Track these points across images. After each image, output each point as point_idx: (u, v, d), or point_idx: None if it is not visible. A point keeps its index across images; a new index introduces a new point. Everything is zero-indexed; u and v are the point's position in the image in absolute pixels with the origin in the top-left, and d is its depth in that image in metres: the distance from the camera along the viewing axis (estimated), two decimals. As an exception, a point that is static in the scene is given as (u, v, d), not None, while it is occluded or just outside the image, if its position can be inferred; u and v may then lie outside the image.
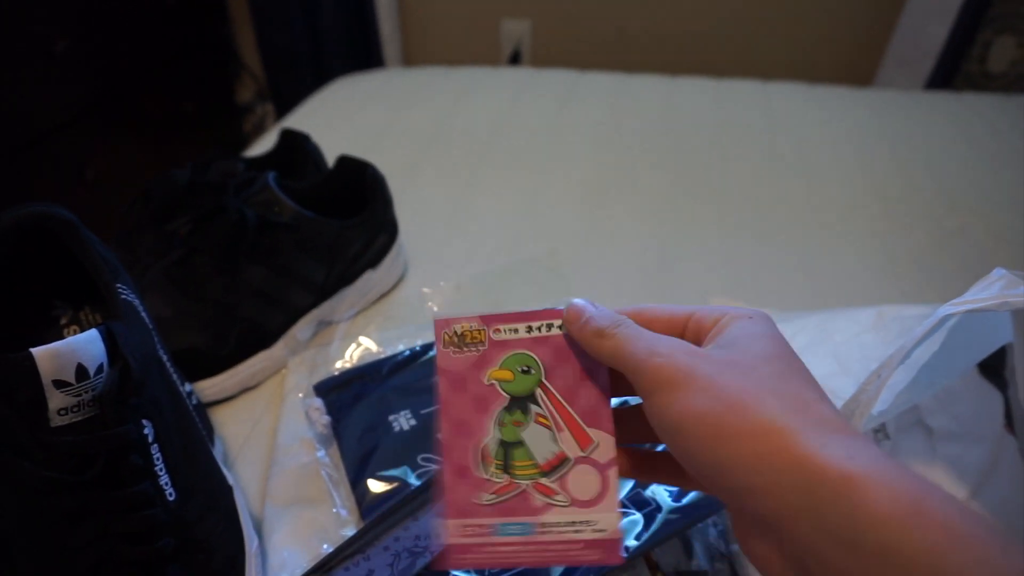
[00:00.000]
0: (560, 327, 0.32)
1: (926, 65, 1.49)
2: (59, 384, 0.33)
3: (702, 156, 0.94)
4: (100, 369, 0.35)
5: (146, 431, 0.37)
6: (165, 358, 0.42)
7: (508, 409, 0.32)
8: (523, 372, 0.32)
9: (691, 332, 0.29)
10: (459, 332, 0.32)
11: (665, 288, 0.68)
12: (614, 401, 0.31)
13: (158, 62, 1.59)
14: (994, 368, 0.51)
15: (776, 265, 0.73)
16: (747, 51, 1.63)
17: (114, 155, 1.49)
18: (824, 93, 1.14)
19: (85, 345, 0.34)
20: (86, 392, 0.34)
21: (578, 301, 0.31)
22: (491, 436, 0.31)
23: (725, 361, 0.26)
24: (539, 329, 0.32)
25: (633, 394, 0.30)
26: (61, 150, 1.33)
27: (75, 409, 0.34)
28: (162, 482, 0.37)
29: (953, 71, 1.50)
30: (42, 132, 1.27)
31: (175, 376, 0.43)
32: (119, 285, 0.40)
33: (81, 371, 0.34)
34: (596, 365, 0.31)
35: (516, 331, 0.32)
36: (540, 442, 0.31)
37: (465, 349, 0.32)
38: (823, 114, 1.06)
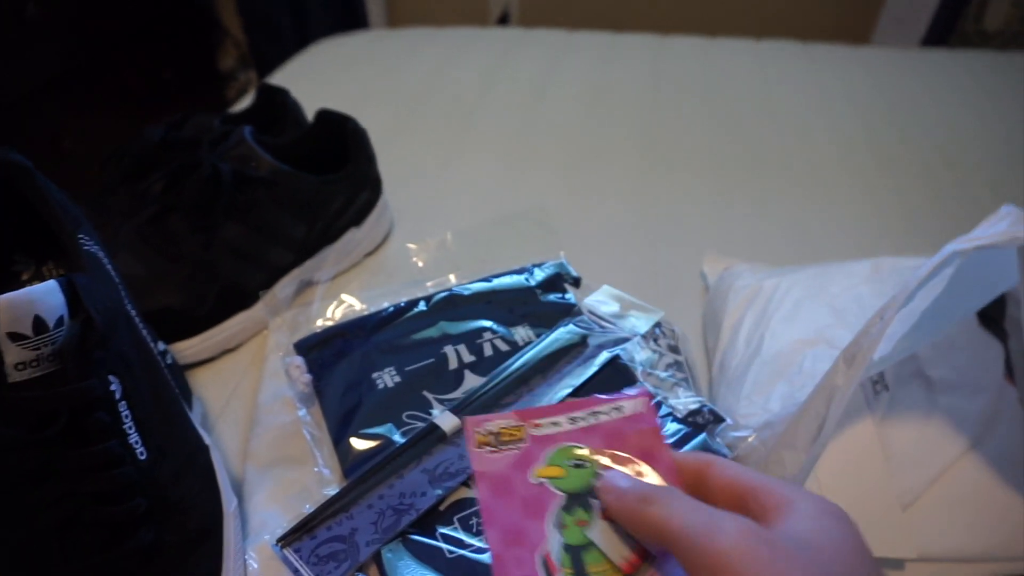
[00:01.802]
0: (614, 411, 0.30)
1: (921, 24, 1.47)
2: (15, 337, 0.31)
3: (694, 115, 0.91)
4: (60, 322, 0.33)
5: (113, 387, 0.35)
6: (134, 313, 0.40)
7: (567, 508, 0.28)
8: (575, 466, 0.29)
9: (754, 509, 0.25)
10: (494, 431, 0.30)
11: (657, 245, 0.67)
12: None
13: (136, 28, 1.54)
14: (994, 319, 0.49)
15: (770, 222, 0.71)
16: (740, 9, 1.59)
17: (92, 125, 1.44)
18: (818, 51, 1.12)
19: (43, 296, 0.32)
20: (45, 346, 0.32)
21: (611, 474, 0.28)
22: (553, 541, 0.28)
23: (801, 561, 0.21)
24: (584, 419, 0.29)
25: None
26: (36, 119, 1.29)
27: (34, 364, 0.32)
28: (132, 440, 0.35)
29: (949, 30, 1.48)
30: (14, 100, 1.23)
31: (145, 333, 0.41)
32: (81, 236, 0.37)
33: (39, 323, 0.32)
34: (658, 447, 0.29)
35: (558, 423, 0.30)
36: (613, 540, 0.27)
37: (503, 448, 0.30)
38: (817, 73, 1.03)
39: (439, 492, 0.39)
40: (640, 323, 0.50)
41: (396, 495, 0.39)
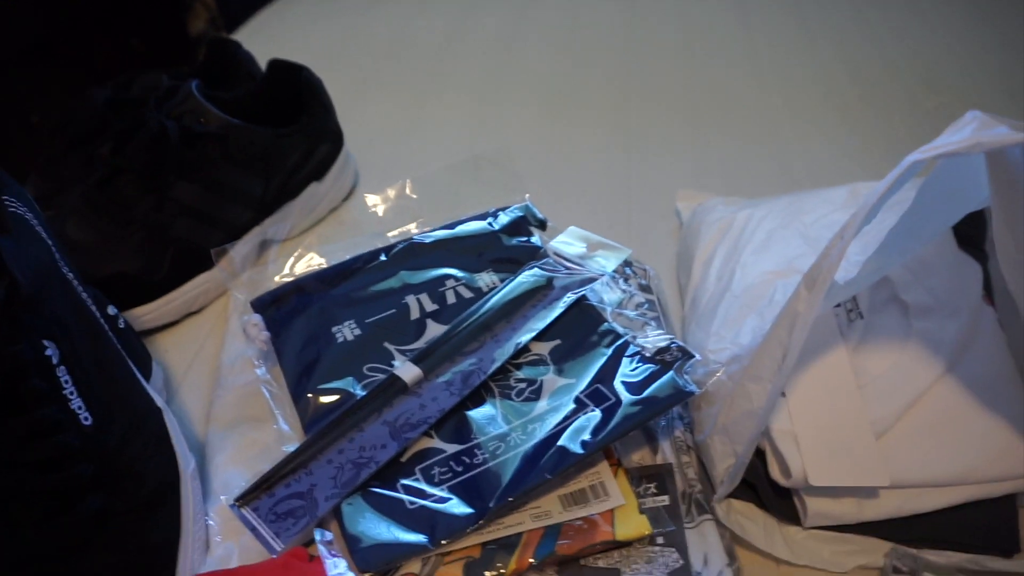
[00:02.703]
0: None
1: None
2: (-67, 305, 0.30)
3: (667, 52, 0.88)
4: (-16, 288, 0.31)
5: (48, 352, 0.33)
6: (71, 277, 0.38)
7: None
8: None
9: None
10: None
11: (630, 183, 0.65)
12: None
13: (99, -5, 1.49)
14: (973, 240, 0.48)
15: (747, 157, 0.69)
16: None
17: (61, 98, 1.41)
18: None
19: (-39, 261, 0.31)
20: (-31, 312, 0.31)
21: None
22: None
23: None
24: None
25: None
26: (2, 95, 1.26)
27: (-42, 331, 0.31)
28: (74, 406, 0.34)
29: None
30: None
31: (86, 297, 0.39)
32: (6, 198, 0.36)
33: (-41, 290, 0.30)
34: None
35: None
36: None
37: None
38: (795, 3, 0.99)
39: (399, 444, 0.38)
40: (608, 262, 0.49)
41: (356, 449, 0.38)
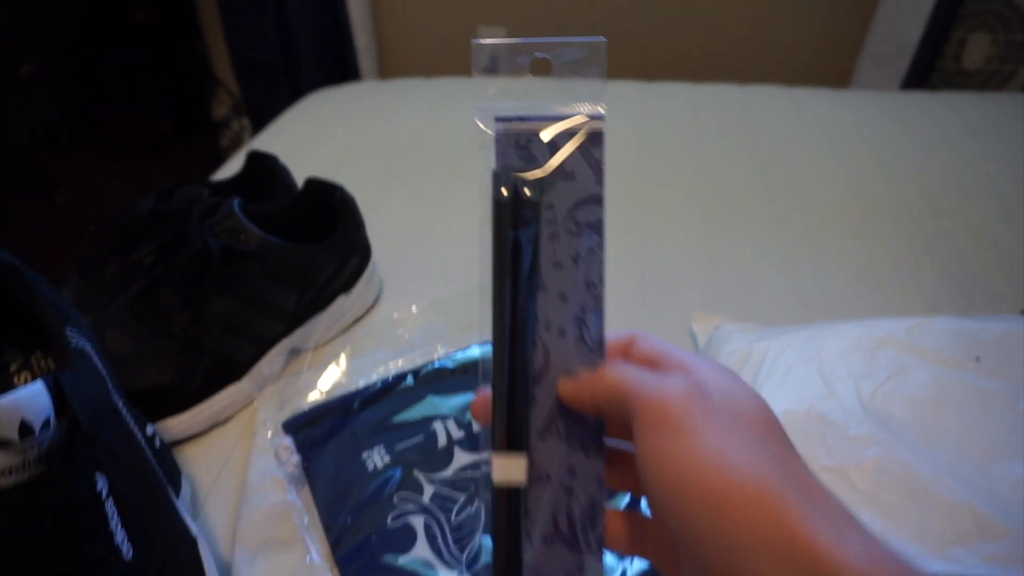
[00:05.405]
0: None
1: (902, 64, 1.50)
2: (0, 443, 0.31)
3: (679, 163, 0.92)
4: (47, 424, 0.33)
5: (99, 487, 0.35)
6: (120, 404, 0.40)
7: None
8: None
9: (637, 358, 0.29)
10: None
11: (647, 305, 0.67)
12: None
13: (130, 80, 1.56)
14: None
15: (756, 272, 0.71)
16: (723, 55, 1.62)
17: (86, 178, 1.45)
18: (802, 96, 1.13)
19: (29, 399, 0.32)
20: (31, 449, 0.32)
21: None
22: None
23: (728, 404, 0.26)
24: None
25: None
26: (30, 174, 1.30)
27: (20, 468, 0.32)
28: (117, 540, 0.35)
29: (929, 69, 1.51)
30: (8, 156, 1.24)
31: (132, 423, 0.40)
32: (69, 329, 0.37)
33: (24, 428, 0.32)
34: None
35: None
36: None
37: None
38: (802, 117, 1.05)
39: None
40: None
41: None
